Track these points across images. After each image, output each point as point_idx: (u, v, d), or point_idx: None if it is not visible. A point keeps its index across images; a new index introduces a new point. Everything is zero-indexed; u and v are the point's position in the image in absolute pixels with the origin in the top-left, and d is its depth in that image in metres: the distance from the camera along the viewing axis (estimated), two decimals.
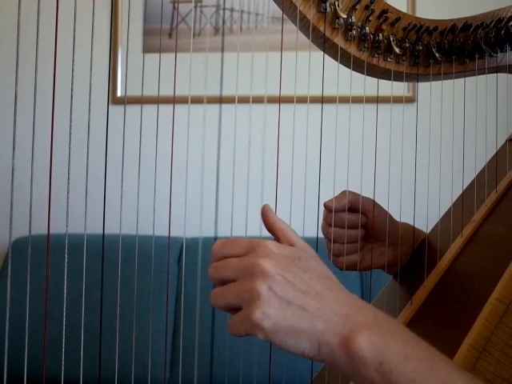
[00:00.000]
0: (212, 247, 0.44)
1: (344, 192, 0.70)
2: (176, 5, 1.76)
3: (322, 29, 0.63)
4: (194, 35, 1.77)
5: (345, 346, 0.37)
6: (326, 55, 0.65)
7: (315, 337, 0.38)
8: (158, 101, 0.68)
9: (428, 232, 0.77)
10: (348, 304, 0.40)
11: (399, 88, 0.78)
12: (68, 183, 0.50)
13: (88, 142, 0.53)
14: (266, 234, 0.72)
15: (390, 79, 0.69)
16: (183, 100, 0.70)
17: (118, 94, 1.77)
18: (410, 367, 0.37)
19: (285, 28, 0.60)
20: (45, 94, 0.54)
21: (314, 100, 0.82)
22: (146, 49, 1.76)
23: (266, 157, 0.66)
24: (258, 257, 0.40)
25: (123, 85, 1.74)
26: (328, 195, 0.70)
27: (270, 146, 0.66)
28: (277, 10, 0.61)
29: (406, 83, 1.66)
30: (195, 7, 1.75)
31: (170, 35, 1.77)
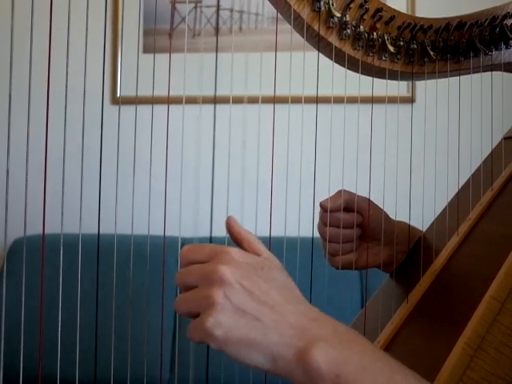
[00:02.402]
0: (179, 252, 0.44)
1: (339, 191, 0.70)
2: (175, 5, 1.76)
3: (316, 28, 0.63)
4: (193, 35, 1.77)
5: (300, 359, 0.37)
6: (320, 55, 0.65)
7: (269, 349, 0.37)
8: (153, 101, 0.68)
9: (424, 231, 0.77)
10: (306, 317, 0.39)
11: (398, 88, 0.78)
12: (63, 183, 0.50)
13: (83, 142, 0.53)
14: (262, 234, 0.72)
15: (384, 78, 0.69)
16: (179, 100, 0.70)
17: (118, 94, 1.77)
18: (367, 379, 0.37)
19: (280, 28, 0.60)
20: (40, 94, 0.54)
21: (311, 100, 0.82)
22: (146, 49, 1.77)
23: (261, 157, 0.67)
24: (219, 263, 0.40)
25: (123, 85, 1.75)
26: (323, 195, 0.70)
27: (264, 146, 0.66)
28: (275, 11, 0.62)
29: (404, 83, 1.66)
30: (195, 7, 1.76)
31: (170, 35, 1.77)
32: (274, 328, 0.38)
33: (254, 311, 0.38)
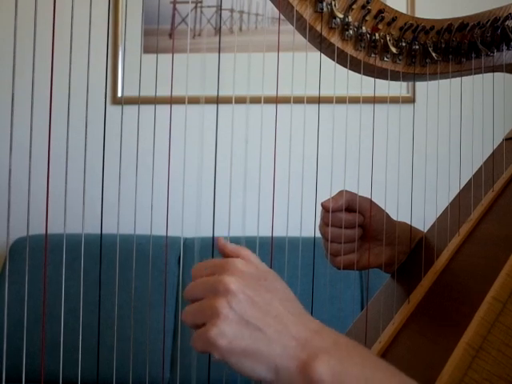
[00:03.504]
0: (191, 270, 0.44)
1: (341, 192, 0.70)
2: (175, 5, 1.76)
3: (318, 29, 0.63)
4: (194, 35, 1.77)
5: (303, 371, 0.37)
6: (323, 55, 0.65)
7: (272, 360, 0.38)
8: (156, 101, 0.68)
9: (425, 231, 0.77)
10: (308, 328, 0.39)
11: (398, 88, 0.78)
12: (65, 183, 0.50)
13: (86, 141, 0.53)
14: (264, 234, 0.72)
15: (386, 79, 0.69)
16: (181, 100, 0.70)
17: (119, 94, 1.77)
18: None
19: (282, 28, 0.60)
20: (43, 94, 0.54)
21: (314, 100, 0.82)
22: (146, 49, 1.77)
23: (264, 157, 0.67)
24: (224, 274, 0.40)
25: (124, 85, 1.75)
26: (325, 195, 0.70)
27: (267, 147, 0.66)
28: (276, 11, 0.62)
29: (405, 84, 1.66)
30: (195, 8, 1.76)
31: (171, 36, 1.78)
32: (276, 339, 0.38)
33: (257, 321, 0.38)
